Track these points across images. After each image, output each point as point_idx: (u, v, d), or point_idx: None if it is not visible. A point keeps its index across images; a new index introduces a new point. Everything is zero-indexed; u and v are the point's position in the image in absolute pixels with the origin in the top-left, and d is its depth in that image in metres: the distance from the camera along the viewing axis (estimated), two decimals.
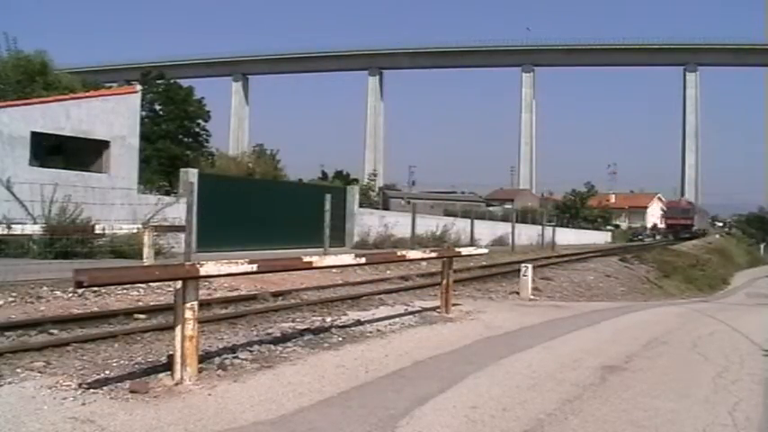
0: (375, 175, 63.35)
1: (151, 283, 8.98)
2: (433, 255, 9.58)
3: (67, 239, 12.90)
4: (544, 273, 16.96)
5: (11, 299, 8.31)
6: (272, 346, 6.17)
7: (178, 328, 4.75)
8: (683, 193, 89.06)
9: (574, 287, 16.28)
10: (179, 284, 4.79)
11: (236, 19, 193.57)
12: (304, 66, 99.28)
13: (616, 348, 6.98)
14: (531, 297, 12.32)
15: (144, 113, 27.17)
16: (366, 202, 33.48)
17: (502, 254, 22.33)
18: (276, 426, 4.03)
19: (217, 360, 5.49)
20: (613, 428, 4.20)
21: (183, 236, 13.02)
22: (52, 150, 15.39)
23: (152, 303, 8.51)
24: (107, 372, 5.11)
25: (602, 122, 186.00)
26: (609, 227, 66.60)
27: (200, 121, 35.48)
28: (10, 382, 4.69)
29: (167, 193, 18.90)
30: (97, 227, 11.78)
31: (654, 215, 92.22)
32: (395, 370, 5.57)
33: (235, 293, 9.75)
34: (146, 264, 9.31)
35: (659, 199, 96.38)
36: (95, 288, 7.75)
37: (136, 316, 7.68)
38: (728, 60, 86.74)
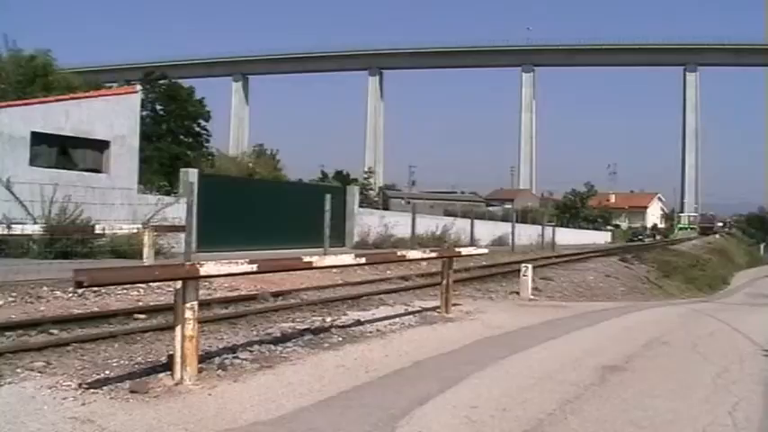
0: (371, 172, 62.89)
1: (151, 283, 8.97)
2: (433, 255, 9.58)
3: (67, 239, 12.91)
4: (544, 273, 16.94)
5: (11, 299, 8.31)
6: (272, 346, 6.16)
7: (178, 328, 4.75)
8: (683, 194, 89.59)
9: (574, 287, 16.29)
10: (179, 284, 4.79)
11: (236, 19, 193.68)
12: (304, 66, 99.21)
13: (616, 348, 6.98)
14: (532, 297, 12.32)
15: (145, 113, 27.16)
16: (366, 201, 33.47)
17: (502, 254, 22.31)
18: (276, 426, 4.03)
19: (217, 360, 5.49)
20: (613, 428, 4.20)
21: (183, 236, 13.03)
22: (52, 150, 15.37)
23: (152, 303, 8.51)
24: (107, 372, 5.10)
25: (602, 122, 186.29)
26: (609, 227, 66.64)
27: (200, 120, 35.45)
28: (10, 382, 4.69)
29: (167, 193, 18.88)
30: (97, 227, 11.80)
31: (654, 215, 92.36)
32: (395, 370, 5.57)
33: (235, 293, 9.74)
34: (146, 264, 9.32)
35: (659, 199, 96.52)
36: (95, 288, 7.74)
37: (136, 316, 7.67)
38: (728, 60, 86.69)
